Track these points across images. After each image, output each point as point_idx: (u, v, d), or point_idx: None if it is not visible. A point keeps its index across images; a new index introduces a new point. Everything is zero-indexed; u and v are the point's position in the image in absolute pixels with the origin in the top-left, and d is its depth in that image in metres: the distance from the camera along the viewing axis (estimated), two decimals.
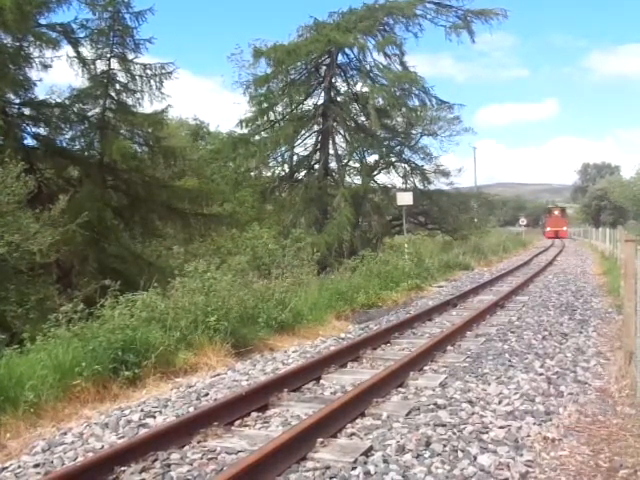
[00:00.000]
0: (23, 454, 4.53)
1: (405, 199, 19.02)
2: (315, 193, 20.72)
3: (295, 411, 5.30)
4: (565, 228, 62.42)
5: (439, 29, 21.32)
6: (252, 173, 22.55)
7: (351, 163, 23.23)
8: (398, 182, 25.19)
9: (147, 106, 14.09)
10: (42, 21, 12.82)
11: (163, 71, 13.93)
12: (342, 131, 22.18)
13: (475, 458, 4.13)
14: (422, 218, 28.35)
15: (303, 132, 21.77)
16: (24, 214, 9.06)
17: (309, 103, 22.27)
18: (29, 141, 13.26)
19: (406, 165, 25.19)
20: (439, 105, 22.64)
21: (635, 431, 4.64)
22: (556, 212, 64.01)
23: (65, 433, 4.90)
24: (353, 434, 4.69)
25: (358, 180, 23.02)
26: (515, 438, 4.51)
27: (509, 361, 6.90)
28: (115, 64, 13.53)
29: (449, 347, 7.80)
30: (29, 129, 13.25)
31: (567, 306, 11.41)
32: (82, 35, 13.32)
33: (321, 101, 21.84)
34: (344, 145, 22.48)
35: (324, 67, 21.64)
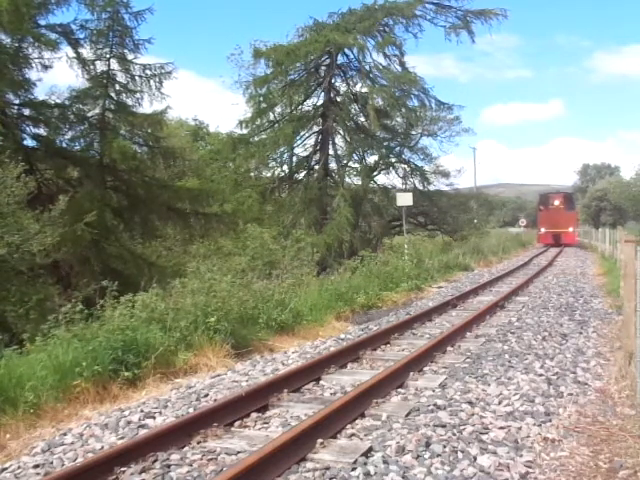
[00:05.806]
0: (23, 455, 4.52)
1: (405, 200, 19.03)
2: (315, 194, 20.75)
3: (295, 412, 5.30)
4: (572, 229, 39.09)
5: (440, 30, 21.45)
6: (252, 174, 22.59)
7: (351, 164, 23.30)
8: (398, 183, 25.29)
9: (147, 106, 14.13)
10: (41, 22, 12.86)
11: (162, 71, 13.96)
12: (342, 132, 22.23)
13: (475, 459, 4.13)
14: (422, 219, 28.42)
15: (303, 133, 21.83)
16: (24, 215, 9.05)
17: (308, 103, 22.35)
18: (29, 142, 13.30)
19: (406, 166, 25.25)
20: (438, 106, 22.72)
21: (635, 432, 4.64)
22: (556, 202, 39.07)
23: (65, 434, 4.89)
24: (353, 435, 4.69)
25: (358, 181, 23.10)
26: (515, 439, 4.50)
27: (509, 362, 6.89)
28: (115, 64, 13.56)
29: (449, 348, 7.80)
30: (29, 130, 13.27)
31: (567, 307, 11.40)
32: (81, 36, 13.38)
33: (320, 101, 21.89)
34: (344, 146, 22.54)
35: (323, 67, 21.68)
